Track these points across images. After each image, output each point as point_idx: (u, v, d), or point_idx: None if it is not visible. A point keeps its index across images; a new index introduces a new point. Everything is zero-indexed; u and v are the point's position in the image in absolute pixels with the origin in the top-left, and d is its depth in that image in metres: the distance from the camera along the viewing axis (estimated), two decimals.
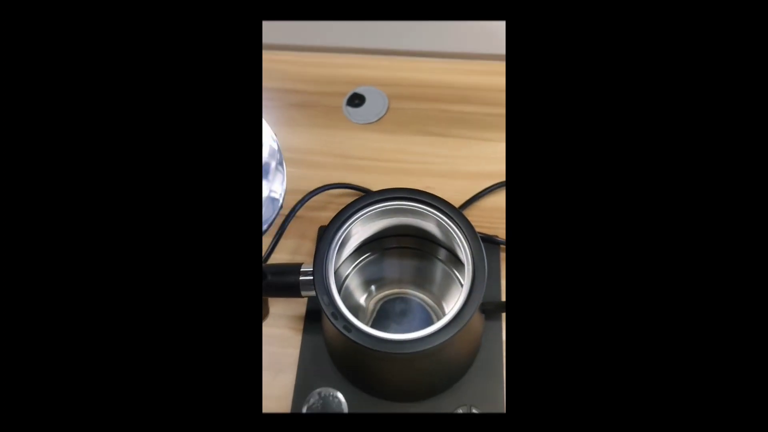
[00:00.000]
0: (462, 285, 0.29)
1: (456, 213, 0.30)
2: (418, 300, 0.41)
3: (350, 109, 0.56)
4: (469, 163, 0.51)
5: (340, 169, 0.52)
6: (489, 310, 0.37)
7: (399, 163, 0.52)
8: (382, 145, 0.53)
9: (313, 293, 0.29)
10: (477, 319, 0.36)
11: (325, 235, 0.30)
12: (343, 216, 0.31)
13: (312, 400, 0.39)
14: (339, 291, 0.30)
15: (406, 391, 0.38)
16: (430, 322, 0.38)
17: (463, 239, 0.30)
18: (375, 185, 0.50)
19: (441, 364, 0.35)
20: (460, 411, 0.38)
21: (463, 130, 0.53)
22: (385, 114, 0.55)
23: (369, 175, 0.51)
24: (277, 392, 0.41)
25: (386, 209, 0.32)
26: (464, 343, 0.35)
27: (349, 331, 0.27)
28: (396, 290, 0.42)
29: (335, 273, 0.30)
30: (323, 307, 0.28)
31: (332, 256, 0.30)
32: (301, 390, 0.40)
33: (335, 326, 0.27)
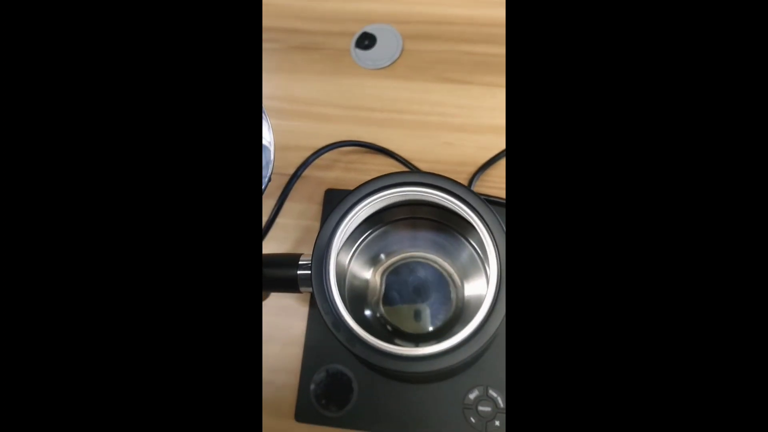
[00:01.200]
0: (486, 277, 0.25)
1: (482, 206, 0.26)
2: (435, 266, 0.37)
3: (359, 51, 0.49)
4: (494, 115, 0.45)
5: (349, 122, 0.46)
6: None
7: (415, 114, 0.46)
8: (395, 94, 0.47)
9: (311, 290, 0.26)
10: None
11: (322, 233, 0.26)
12: (339, 212, 0.27)
13: (320, 376, 0.38)
14: (344, 279, 0.26)
15: (419, 376, 0.36)
16: (448, 299, 0.34)
17: (488, 237, 0.25)
18: (388, 141, 0.45)
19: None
20: (476, 392, 0.36)
21: (489, 76, 0.46)
22: (398, 57, 0.48)
23: (381, 129, 0.46)
24: (284, 365, 0.39)
25: (394, 196, 0.27)
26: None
27: (353, 345, 0.24)
28: (409, 254, 0.38)
29: (337, 261, 0.26)
30: (323, 315, 0.25)
31: (332, 258, 0.26)
32: (309, 366, 0.38)
33: (337, 339, 0.24)
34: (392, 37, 0.49)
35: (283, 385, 0.39)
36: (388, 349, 0.23)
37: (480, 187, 0.43)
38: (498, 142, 0.44)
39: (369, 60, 0.49)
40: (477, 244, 0.34)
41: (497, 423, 0.35)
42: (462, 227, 0.34)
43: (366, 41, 0.49)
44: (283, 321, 0.41)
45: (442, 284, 0.36)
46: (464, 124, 0.45)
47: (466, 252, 0.35)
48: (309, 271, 0.26)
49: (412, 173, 0.28)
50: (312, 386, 0.38)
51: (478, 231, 0.26)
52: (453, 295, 0.35)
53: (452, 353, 0.23)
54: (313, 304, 0.40)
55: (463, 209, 0.27)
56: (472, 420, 0.35)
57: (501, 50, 0.47)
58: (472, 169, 0.43)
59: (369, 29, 0.50)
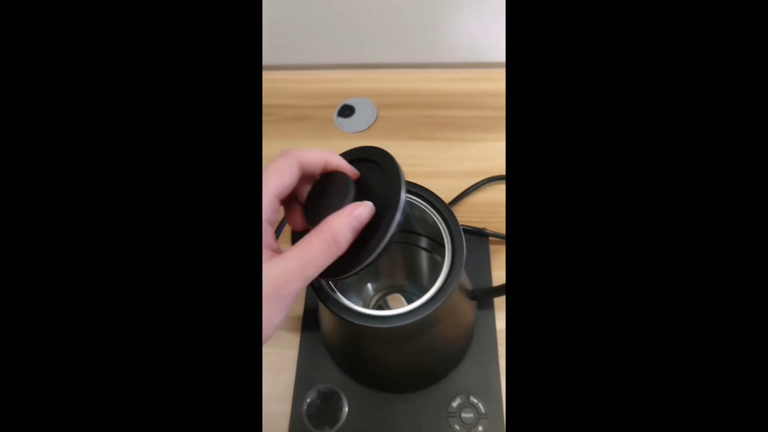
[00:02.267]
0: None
1: (429, 194, 0.32)
2: (413, 293, 0.42)
3: (341, 119, 0.58)
4: (456, 163, 0.53)
5: None
6: (478, 296, 0.37)
7: None
8: None
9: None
10: (465, 304, 0.36)
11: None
12: None
13: (311, 397, 0.40)
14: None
15: (403, 379, 0.38)
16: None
17: (440, 219, 0.31)
18: None
19: (432, 348, 0.35)
20: (458, 400, 0.39)
21: (449, 132, 0.55)
22: (374, 122, 0.57)
23: None
24: (277, 393, 0.41)
25: None
26: (453, 326, 0.35)
27: (335, 308, 0.28)
28: (390, 286, 0.43)
29: None
30: (315, 293, 0.29)
31: None
32: (301, 388, 0.40)
33: (328, 308, 0.28)
34: (368, 107, 0.58)
35: (276, 412, 0.41)
36: (367, 312, 0.27)
37: None
38: (460, 184, 0.51)
39: (349, 126, 0.57)
40: (436, 251, 0.38)
41: (480, 428, 0.37)
42: (420, 242, 0.39)
43: (346, 111, 0.58)
44: (275, 351, 0.43)
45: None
46: (432, 171, 0.53)
47: (432, 262, 0.39)
48: None
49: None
50: (304, 407, 0.40)
51: (432, 216, 0.31)
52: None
53: (419, 309, 0.27)
54: (304, 328, 0.44)
55: (415, 200, 0.32)
56: (457, 427, 0.38)
57: (459, 113, 0.57)
58: None
59: (349, 102, 0.59)
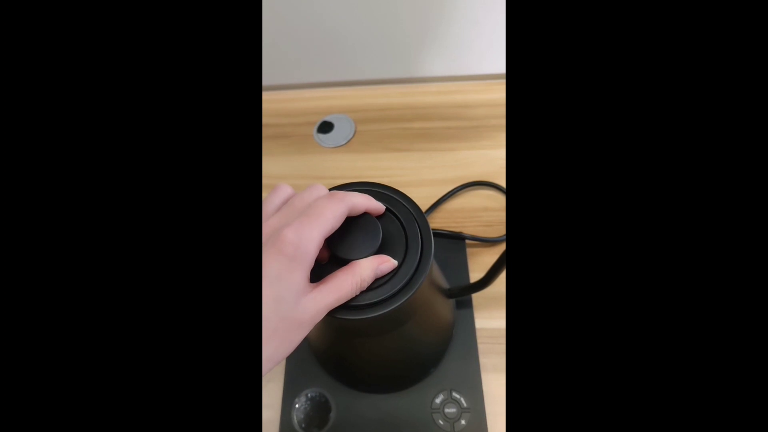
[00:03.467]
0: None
1: (390, 190, 0.33)
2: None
3: (321, 135, 0.60)
4: (433, 172, 0.55)
5: None
6: (455, 294, 0.39)
7: (368, 177, 0.55)
8: (352, 164, 0.57)
9: None
10: (442, 301, 0.38)
11: None
12: None
13: (300, 402, 0.41)
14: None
15: (386, 378, 0.40)
16: None
17: (407, 211, 0.32)
18: None
19: (411, 343, 0.36)
20: (441, 396, 0.40)
21: (425, 143, 0.58)
22: (353, 137, 0.60)
23: None
24: (266, 401, 0.42)
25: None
26: (430, 321, 0.37)
27: None
28: None
29: None
30: None
31: None
32: (289, 394, 0.42)
33: None
34: (346, 122, 0.61)
35: (266, 420, 0.42)
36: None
37: None
38: (436, 192, 0.53)
39: (328, 141, 0.59)
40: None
41: (463, 422, 0.39)
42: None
43: (326, 127, 0.61)
44: None
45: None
46: (409, 181, 0.55)
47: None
48: None
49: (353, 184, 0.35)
50: (293, 412, 0.41)
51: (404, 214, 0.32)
52: None
53: (392, 298, 0.28)
54: None
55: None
56: (441, 422, 0.39)
57: (432, 124, 0.60)
58: None
59: (327, 118, 0.62)
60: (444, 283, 0.39)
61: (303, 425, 0.40)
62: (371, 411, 0.40)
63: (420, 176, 0.55)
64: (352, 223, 0.29)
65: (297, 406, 0.41)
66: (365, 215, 0.29)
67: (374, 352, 0.36)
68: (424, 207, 0.52)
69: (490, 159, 0.55)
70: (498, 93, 0.62)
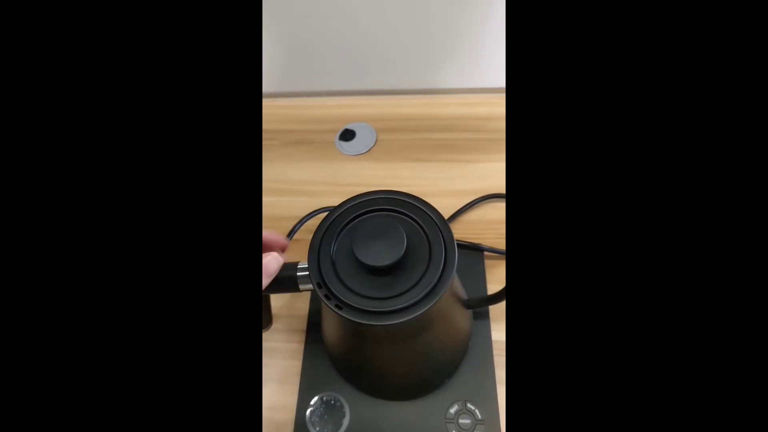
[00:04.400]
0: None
1: (422, 203, 0.33)
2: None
3: (342, 143, 0.61)
4: (453, 183, 0.56)
5: (335, 195, 0.56)
6: (473, 305, 0.40)
7: (388, 186, 0.55)
8: (373, 172, 0.58)
9: (310, 286, 0.32)
10: (460, 312, 0.38)
11: (314, 239, 0.33)
12: (326, 222, 0.34)
13: (314, 405, 0.42)
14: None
15: (401, 383, 0.40)
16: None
17: (431, 222, 0.33)
18: None
19: (428, 352, 0.37)
20: (456, 406, 0.40)
21: (446, 154, 0.58)
22: (374, 145, 0.60)
23: None
24: (282, 402, 0.43)
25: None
26: (448, 331, 0.37)
27: (340, 309, 0.30)
28: None
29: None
30: (317, 291, 0.31)
31: (326, 248, 0.32)
32: (305, 397, 0.42)
33: (329, 307, 0.30)
34: (368, 131, 0.62)
35: (281, 421, 0.42)
36: (365, 308, 0.29)
37: None
38: (456, 203, 0.53)
39: (350, 149, 0.60)
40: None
41: None
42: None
43: (347, 135, 0.62)
44: (281, 362, 0.45)
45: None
46: (428, 191, 0.55)
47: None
48: (307, 273, 0.33)
49: (377, 196, 0.35)
50: (307, 414, 0.41)
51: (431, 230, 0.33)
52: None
53: (412, 307, 0.28)
54: (308, 341, 0.45)
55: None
56: None
57: (455, 135, 0.60)
58: None
59: (349, 126, 0.63)
60: (463, 294, 0.39)
61: (317, 428, 0.40)
62: (385, 418, 0.40)
63: (440, 187, 0.56)
64: (377, 231, 0.30)
65: (311, 408, 0.41)
66: (391, 221, 0.30)
67: (391, 359, 0.36)
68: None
69: None
70: None
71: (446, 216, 0.52)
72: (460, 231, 0.52)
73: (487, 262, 0.49)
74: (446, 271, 0.29)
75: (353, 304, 0.30)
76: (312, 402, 0.42)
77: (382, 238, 0.29)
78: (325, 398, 0.42)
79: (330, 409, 0.41)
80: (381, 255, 0.29)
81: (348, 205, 0.35)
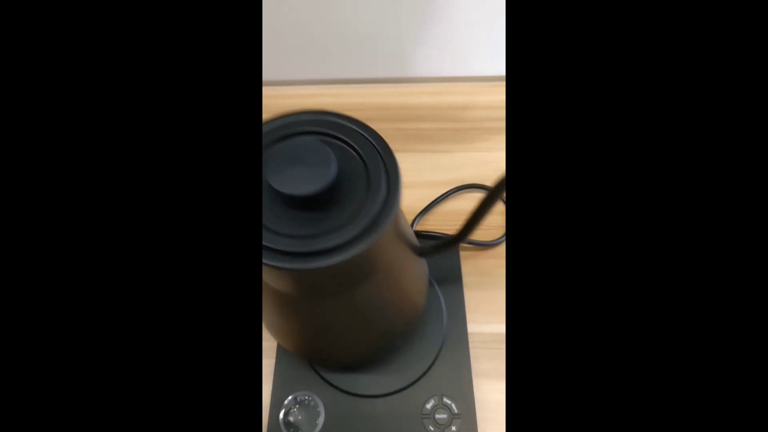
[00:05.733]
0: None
1: (359, 124, 0.29)
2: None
3: None
4: (427, 174, 0.55)
5: None
6: (426, 252, 0.34)
7: None
8: None
9: None
10: (412, 258, 0.33)
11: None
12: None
13: (288, 404, 0.40)
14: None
15: (354, 354, 0.37)
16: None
17: (378, 148, 0.28)
18: None
19: (384, 304, 0.32)
20: (432, 401, 0.40)
21: (420, 144, 0.57)
22: None
23: None
24: None
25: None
26: (402, 279, 0.32)
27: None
28: None
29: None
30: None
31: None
32: (278, 396, 0.41)
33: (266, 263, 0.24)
34: None
35: None
36: (286, 249, 0.23)
37: (420, 226, 0.51)
38: (431, 194, 0.52)
39: None
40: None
41: (453, 428, 0.39)
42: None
43: None
44: None
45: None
46: (404, 182, 0.54)
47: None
48: None
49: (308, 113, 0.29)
50: (281, 415, 0.40)
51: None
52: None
53: (346, 245, 0.23)
54: None
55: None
56: (431, 428, 0.39)
57: (428, 125, 0.59)
58: (412, 216, 0.51)
59: None
60: (414, 240, 0.35)
61: (291, 428, 0.39)
62: (360, 416, 0.39)
63: (414, 178, 0.54)
64: (298, 154, 0.24)
65: (284, 408, 0.40)
66: (316, 144, 0.24)
67: (335, 318, 0.31)
68: (417, 209, 0.51)
69: (486, 162, 0.55)
70: (495, 95, 0.61)
71: (420, 207, 0.52)
72: (435, 222, 0.51)
73: (462, 254, 0.48)
74: (389, 202, 0.24)
75: (271, 245, 0.23)
76: (285, 402, 0.40)
77: (305, 163, 0.23)
78: (299, 398, 0.41)
79: (304, 409, 0.40)
80: (303, 183, 0.23)
81: (266, 129, 0.27)
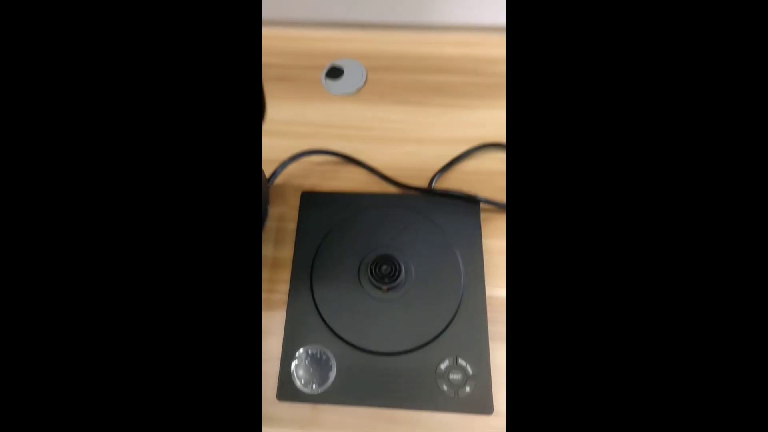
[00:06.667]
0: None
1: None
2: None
3: (329, 81, 0.56)
4: (447, 130, 0.52)
5: (321, 137, 0.52)
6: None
7: (379, 131, 0.52)
8: (361, 115, 0.54)
9: None
10: None
11: None
12: None
13: (299, 357, 0.40)
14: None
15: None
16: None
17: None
18: (356, 153, 0.51)
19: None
20: (447, 362, 0.39)
21: (440, 98, 0.54)
22: (363, 85, 0.56)
23: (349, 142, 0.51)
24: (266, 354, 0.41)
25: None
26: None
27: None
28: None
29: None
30: None
31: None
32: (289, 349, 0.40)
33: None
34: (357, 69, 0.57)
35: (265, 373, 0.40)
36: None
37: (439, 184, 0.48)
38: (451, 151, 0.50)
39: (338, 88, 0.55)
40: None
41: (467, 389, 0.38)
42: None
43: (334, 73, 0.56)
44: (264, 313, 0.43)
45: None
46: (423, 137, 0.52)
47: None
48: None
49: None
50: (292, 367, 0.39)
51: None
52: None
53: None
54: (293, 286, 0.43)
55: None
56: (445, 388, 0.38)
57: (450, 78, 0.56)
58: (431, 173, 0.49)
59: (337, 63, 0.57)
60: None
61: (302, 380, 0.39)
62: (373, 373, 0.39)
63: (434, 133, 0.52)
64: None
65: (296, 360, 0.40)
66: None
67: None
68: (436, 166, 0.49)
69: None
70: None
71: (440, 165, 0.49)
72: (455, 181, 0.49)
73: (483, 215, 0.46)
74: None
75: None
76: (297, 354, 0.40)
77: None
78: (311, 351, 0.40)
79: (316, 363, 0.39)
80: None
81: None
